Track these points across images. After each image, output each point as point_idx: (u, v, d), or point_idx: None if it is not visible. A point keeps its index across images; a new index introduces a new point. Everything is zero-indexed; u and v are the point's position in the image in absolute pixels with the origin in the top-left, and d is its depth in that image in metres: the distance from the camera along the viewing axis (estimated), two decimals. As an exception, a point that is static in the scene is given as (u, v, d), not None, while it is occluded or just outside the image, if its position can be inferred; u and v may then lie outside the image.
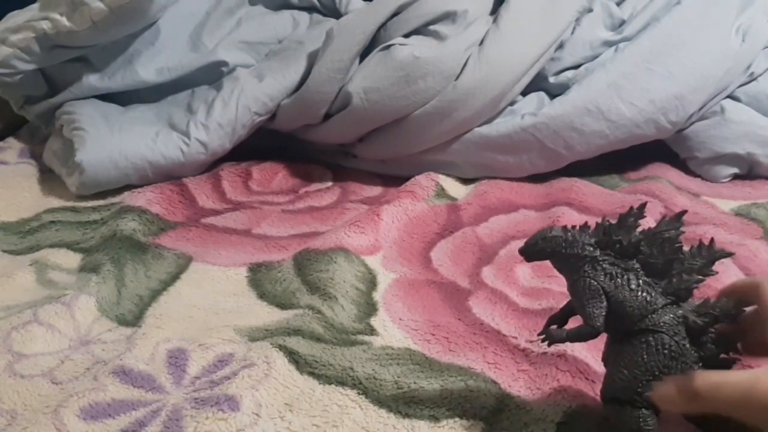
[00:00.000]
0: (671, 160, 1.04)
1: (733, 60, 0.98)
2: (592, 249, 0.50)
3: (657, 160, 1.05)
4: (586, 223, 0.51)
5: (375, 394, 0.59)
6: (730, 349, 0.48)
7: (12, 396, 0.59)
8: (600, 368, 0.54)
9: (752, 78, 1.01)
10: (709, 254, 0.48)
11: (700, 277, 0.48)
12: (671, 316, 0.48)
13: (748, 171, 1.00)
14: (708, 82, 0.97)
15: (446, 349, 0.66)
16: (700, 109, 0.98)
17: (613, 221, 0.50)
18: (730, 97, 1.01)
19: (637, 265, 0.49)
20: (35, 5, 1.07)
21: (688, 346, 0.48)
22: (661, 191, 0.94)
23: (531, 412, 0.57)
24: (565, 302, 0.54)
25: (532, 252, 0.52)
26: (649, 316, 0.48)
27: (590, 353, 0.62)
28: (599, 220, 0.51)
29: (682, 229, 0.48)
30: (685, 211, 0.50)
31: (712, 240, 0.49)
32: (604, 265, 0.49)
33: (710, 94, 0.98)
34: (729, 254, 0.49)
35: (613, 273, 0.49)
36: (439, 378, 0.61)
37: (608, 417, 0.51)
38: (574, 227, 0.51)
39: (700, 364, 0.48)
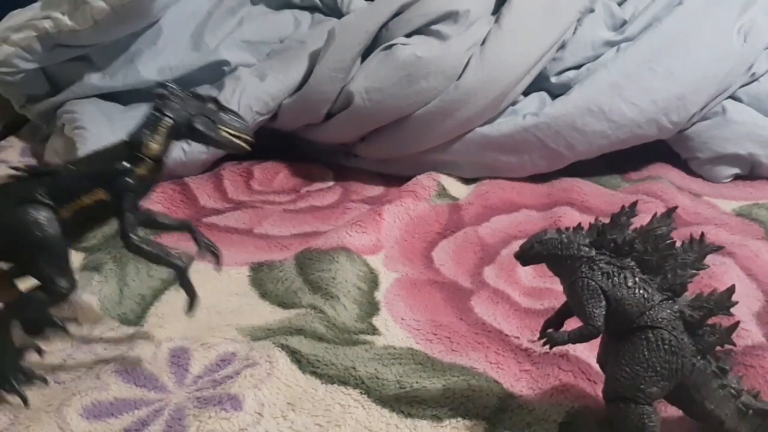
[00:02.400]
0: (673, 161, 1.04)
1: (735, 60, 0.98)
2: (587, 249, 0.51)
3: (658, 161, 1.05)
4: (579, 224, 0.52)
5: (377, 394, 0.59)
6: (725, 341, 0.49)
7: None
8: (602, 368, 0.55)
9: (754, 78, 1.01)
10: (701, 249, 0.50)
11: (693, 271, 0.50)
12: (668, 311, 0.49)
13: (750, 171, 1.00)
14: (709, 82, 0.97)
15: (448, 349, 0.66)
16: (702, 109, 0.98)
17: (606, 221, 0.51)
18: (732, 97, 1.01)
19: (632, 263, 0.50)
20: (37, 4, 1.08)
21: (686, 340, 0.49)
22: (662, 191, 0.94)
23: (533, 411, 0.57)
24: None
25: (528, 256, 0.52)
26: (647, 312, 0.49)
27: (592, 353, 0.62)
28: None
29: (673, 226, 0.50)
30: (675, 208, 0.51)
31: (702, 234, 0.50)
32: (600, 265, 0.50)
33: (712, 95, 0.98)
34: (719, 248, 0.51)
35: (610, 272, 0.50)
36: (442, 378, 0.61)
37: (611, 416, 0.51)
38: (567, 229, 0.52)
39: (699, 357, 0.49)
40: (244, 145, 0.57)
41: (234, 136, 0.56)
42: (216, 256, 0.62)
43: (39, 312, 0.59)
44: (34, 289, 0.55)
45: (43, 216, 0.53)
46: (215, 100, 0.57)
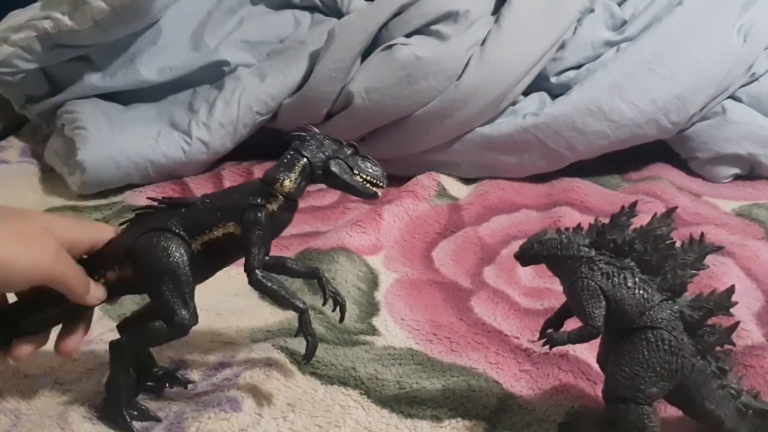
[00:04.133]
0: (672, 161, 1.04)
1: (735, 60, 0.98)
2: (587, 250, 0.51)
3: (658, 161, 1.05)
4: (579, 224, 0.52)
5: (377, 394, 0.59)
6: (725, 341, 0.49)
7: (16, 395, 0.59)
8: (602, 368, 0.55)
9: (754, 78, 1.01)
10: (701, 249, 0.50)
11: (693, 271, 0.50)
12: (668, 311, 0.49)
13: (750, 171, 1.00)
14: (709, 82, 0.97)
15: (448, 349, 0.66)
16: (702, 109, 0.98)
17: (606, 221, 0.51)
18: (732, 97, 1.01)
19: (632, 263, 0.50)
20: (37, 4, 1.08)
21: (686, 340, 0.49)
22: (662, 191, 0.94)
23: (533, 411, 0.57)
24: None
25: (528, 256, 0.52)
26: (647, 312, 0.49)
27: (592, 353, 0.62)
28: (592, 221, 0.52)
29: (673, 226, 0.50)
30: (675, 208, 0.51)
31: (702, 235, 0.50)
32: (600, 265, 0.50)
33: (711, 95, 0.98)
34: (719, 248, 0.51)
35: (610, 272, 0.50)
36: (441, 378, 0.61)
37: (611, 417, 0.51)
38: (567, 229, 0.52)
39: (698, 357, 0.49)
40: (378, 192, 0.56)
41: (368, 182, 0.55)
42: (343, 310, 0.59)
43: (156, 343, 0.57)
44: (154, 320, 0.53)
45: (172, 245, 0.53)
46: (352, 145, 0.56)
